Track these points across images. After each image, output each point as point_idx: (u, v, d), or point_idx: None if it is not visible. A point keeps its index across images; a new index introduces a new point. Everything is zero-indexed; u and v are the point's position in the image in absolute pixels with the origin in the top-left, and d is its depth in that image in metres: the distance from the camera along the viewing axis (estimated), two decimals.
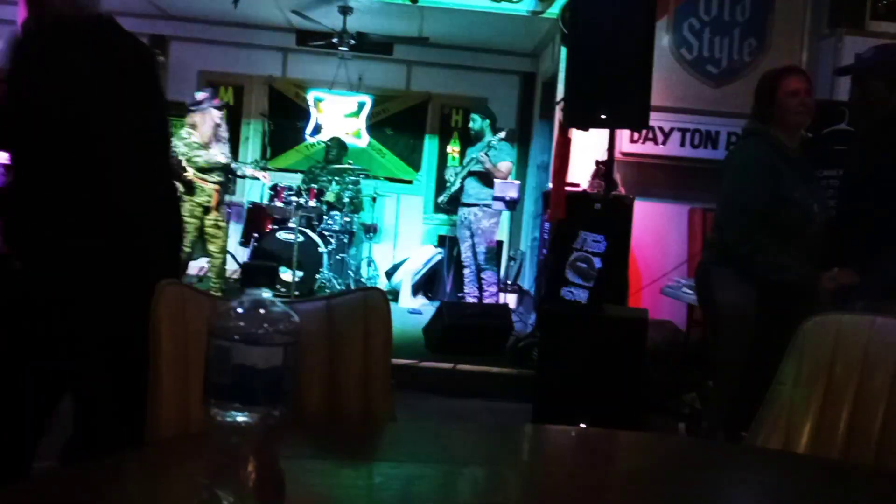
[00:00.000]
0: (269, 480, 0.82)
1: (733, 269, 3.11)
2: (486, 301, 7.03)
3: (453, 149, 9.48)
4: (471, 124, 7.37)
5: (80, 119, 2.10)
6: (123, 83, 2.20)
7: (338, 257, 7.68)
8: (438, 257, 8.26)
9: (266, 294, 0.84)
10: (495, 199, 7.91)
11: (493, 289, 7.20)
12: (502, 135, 7.08)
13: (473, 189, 7.10)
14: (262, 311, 0.83)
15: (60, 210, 2.12)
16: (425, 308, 7.63)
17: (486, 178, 7.03)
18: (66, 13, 2.20)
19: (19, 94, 2.14)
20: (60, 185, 2.13)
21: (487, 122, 7.17)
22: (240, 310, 0.82)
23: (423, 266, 8.25)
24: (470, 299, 7.02)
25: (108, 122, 2.14)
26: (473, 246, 7.10)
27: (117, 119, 2.16)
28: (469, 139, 7.77)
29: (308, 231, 7.41)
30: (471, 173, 7.14)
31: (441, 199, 7.70)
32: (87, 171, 2.13)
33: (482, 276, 7.16)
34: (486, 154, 6.97)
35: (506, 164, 7.06)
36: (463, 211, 7.20)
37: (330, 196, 7.77)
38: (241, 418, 0.81)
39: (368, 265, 8.46)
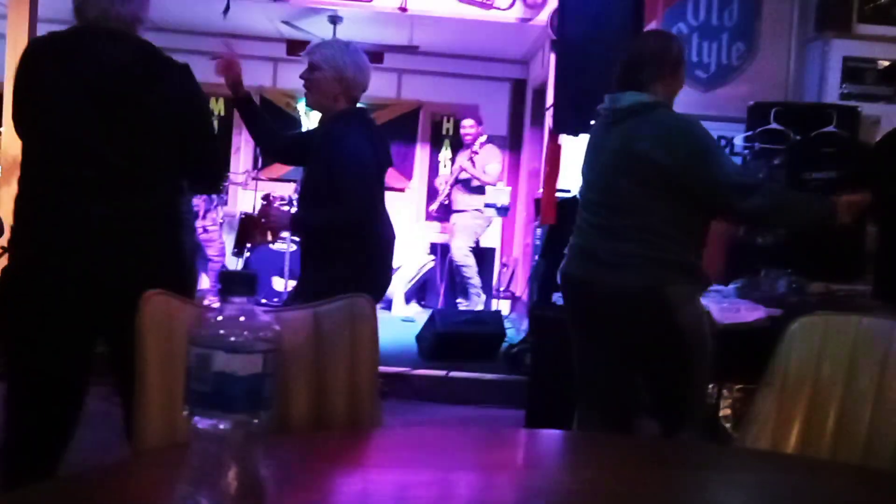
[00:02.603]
0: (250, 488, 0.82)
1: (688, 285, 2.72)
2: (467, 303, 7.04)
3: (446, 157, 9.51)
4: (463, 130, 7.47)
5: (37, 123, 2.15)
6: (101, 97, 2.16)
7: None
8: (431, 265, 8.26)
9: (247, 301, 0.84)
10: (487, 206, 7.90)
11: (474, 290, 7.21)
12: (483, 139, 7.18)
13: (461, 196, 7.16)
14: (241, 318, 0.83)
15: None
16: (418, 316, 7.63)
17: (474, 185, 7.06)
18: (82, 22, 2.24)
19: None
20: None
21: (481, 127, 7.32)
22: (219, 317, 0.82)
23: (416, 274, 8.25)
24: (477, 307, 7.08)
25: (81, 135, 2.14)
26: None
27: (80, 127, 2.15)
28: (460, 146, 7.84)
29: (299, 239, 7.39)
30: (458, 181, 7.15)
31: (432, 207, 7.72)
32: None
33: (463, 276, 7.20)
34: (471, 161, 6.99)
35: (494, 167, 7.09)
36: (454, 217, 7.23)
37: None
38: (221, 426, 0.81)
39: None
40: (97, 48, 2.19)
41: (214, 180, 2.70)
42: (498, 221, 8.90)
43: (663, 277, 2.65)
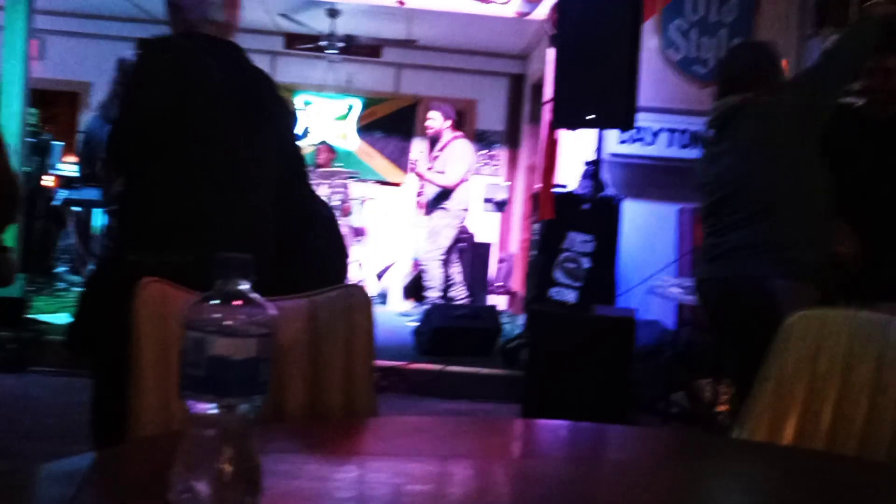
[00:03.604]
0: (245, 473, 0.82)
1: (801, 280, 2.67)
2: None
3: None
4: (428, 122, 7.05)
5: (208, 125, 2.13)
6: (249, 103, 2.22)
7: None
8: None
9: (242, 286, 0.83)
10: (485, 200, 7.87)
11: (433, 293, 6.90)
12: (460, 143, 6.82)
13: (431, 194, 6.91)
14: (236, 302, 0.82)
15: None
16: (415, 311, 7.63)
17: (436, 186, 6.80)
18: (199, 30, 2.22)
19: (141, 103, 2.13)
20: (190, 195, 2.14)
21: (449, 122, 6.92)
22: (214, 301, 0.82)
23: (413, 269, 8.25)
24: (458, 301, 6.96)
25: (234, 135, 2.17)
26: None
27: (240, 135, 2.18)
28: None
29: None
30: (422, 187, 6.96)
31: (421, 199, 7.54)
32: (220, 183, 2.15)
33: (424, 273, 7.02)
34: (432, 160, 6.72)
35: (456, 168, 6.67)
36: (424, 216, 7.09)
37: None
38: (215, 410, 0.81)
39: (358, 268, 8.45)
40: (232, 57, 2.24)
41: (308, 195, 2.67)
42: (496, 217, 8.91)
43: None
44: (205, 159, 2.13)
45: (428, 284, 6.90)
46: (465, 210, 6.90)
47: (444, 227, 6.80)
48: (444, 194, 6.75)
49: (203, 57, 2.16)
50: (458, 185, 6.72)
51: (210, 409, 0.81)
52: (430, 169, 6.83)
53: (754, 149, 2.82)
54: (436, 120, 6.94)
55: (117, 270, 2.05)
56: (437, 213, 6.83)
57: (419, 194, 7.28)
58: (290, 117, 2.42)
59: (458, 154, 6.75)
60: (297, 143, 2.49)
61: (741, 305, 2.76)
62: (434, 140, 7.09)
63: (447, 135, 6.91)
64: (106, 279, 2.18)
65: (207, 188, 2.13)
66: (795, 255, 2.72)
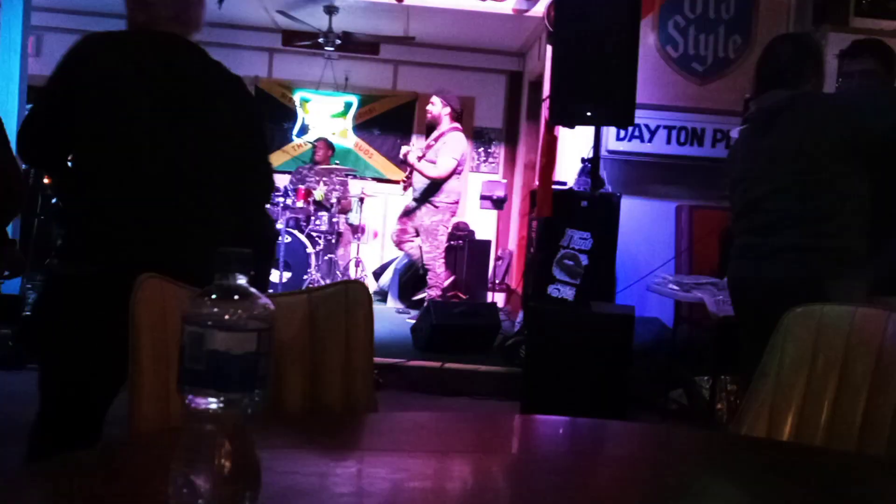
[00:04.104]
0: (244, 468, 0.82)
1: (855, 280, 2.62)
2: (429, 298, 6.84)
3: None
4: (429, 107, 6.95)
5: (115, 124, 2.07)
6: (174, 100, 2.13)
7: (325, 258, 7.67)
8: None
9: (240, 280, 0.83)
10: (483, 197, 7.84)
11: (435, 291, 6.89)
12: (454, 136, 6.74)
13: (419, 184, 6.80)
14: (235, 297, 0.82)
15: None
16: (412, 308, 7.63)
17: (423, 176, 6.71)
18: (144, 27, 2.16)
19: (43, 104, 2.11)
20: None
21: (448, 109, 6.82)
22: (213, 296, 0.82)
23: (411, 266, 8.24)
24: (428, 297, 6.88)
25: (145, 132, 2.08)
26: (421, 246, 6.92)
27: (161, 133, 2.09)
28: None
29: (295, 232, 7.40)
30: (411, 175, 6.86)
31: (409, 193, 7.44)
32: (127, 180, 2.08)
33: (427, 276, 6.96)
34: (426, 149, 6.61)
35: (447, 161, 6.61)
36: (413, 206, 6.98)
37: (318, 196, 7.75)
38: (215, 405, 0.80)
39: (356, 266, 8.45)
40: (169, 54, 2.15)
41: (271, 191, 2.55)
42: (493, 214, 8.90)
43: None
44: (109, 158, 2.07)
45: (432, 283, 6.90)
46: (456, 203, 6.86)
47: (438, 224, 6.78)
48: (434, 187, 6.70)
49: (115, 53, 2.11)
50: (447, 177, 6.66)
51: (210, 403, 0.81)
52: (421, 158, 6.76)
53: (807, 148, 2.71)
54: (436, 105, 6.87)
55: (48, 278, 2.07)
56: (427, 210, 6.76)
57: (407, 178, 7.21)
58: (242, 115, 2.27)
59: (452, 146, 6.68)
60: (252, 139, 2.32)
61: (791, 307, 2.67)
62: (431, 128, 7.03)
63: (445, 124, 6.82)
64: (47, 285, 2.18)
65: (113, 190, 2.06)
66: (850, 257, 2.66)
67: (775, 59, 2.89)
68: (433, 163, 6.65)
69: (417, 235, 6.96)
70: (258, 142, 2.38)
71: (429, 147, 6.85)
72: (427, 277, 6.95)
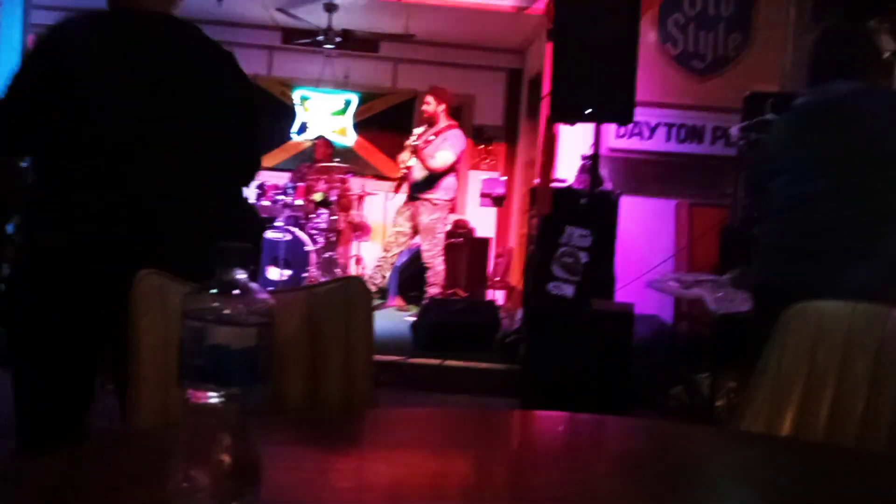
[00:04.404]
0: (244, 463, 0.82)
1: None
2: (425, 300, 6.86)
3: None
4: (425, 106, 6.98)
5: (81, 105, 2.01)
6: (155, 83, 2.07)
7: (325, 256, 7.67)
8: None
9: (240, 275, 0.83)
10: (482, 195, 7.84)
11: (435, 289, 6.90)
12: (453, 132, 6.75)
13: (416, 180, 6.79)
14: (235, 291, 0.82)
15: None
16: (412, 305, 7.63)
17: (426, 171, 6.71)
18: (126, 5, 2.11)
19: (15, 86, 2.04)
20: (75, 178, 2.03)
21: (443, 106, 6.87)
22: (213, 290, 0.82)
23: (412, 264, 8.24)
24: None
25: (123, 115, 2.03)
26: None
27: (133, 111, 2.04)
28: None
29: (295, 230, 7.40)
30: (410, 167, 6.85)
31: (392, 191, 7.42)
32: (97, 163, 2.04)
33: (426, 275, 6.97)
34: (425, 144, 6.59)
35: (445, 155, 6.64)
36: (407, 203, 6.96)
37: (318, 197, 7.74)
38: (215, 399, 0.80)
39: (356, 264, 8.45)
40: (148, 30, 2.10)
41: (252, 173, 2.46)
42: (493, 212, 8.90)
43: None
44: (80, 138, 2.02)
45: (432, 281, 6.90)
46: (453, 200, 6.88)
47: (437, 221, 6.78)
48: (430, 182, 6.70)
49: (95, 36, 2.08)
50: (445, 172, 6.67)
51: (210, 398, 0.81)
52: (423, 149, 6.75)
53: (873, 146, 2.54)
54: (431, 104, 6.90)
55: (21, 249, 2.05)
56: (426, 208, 6.76)
57: (400, 179, 7.20)
58: (230, 93, 2.22)
59: (452, 142, 6.70)
60: (241, 118, 2.27)
61: None
62: (430, 124, 7.04)
63: (442, 120, 6.85)
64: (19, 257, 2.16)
65: (85, 168, 2.02)
66: None
67: (835, 50, 2.69)
68: (431, 157, 6.66)
69: (416, 234, 6.95)
70: (247, 120, 2.32)
71: (427, 142, 6.85)
72: (426, 275, 6.95)
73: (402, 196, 7.17)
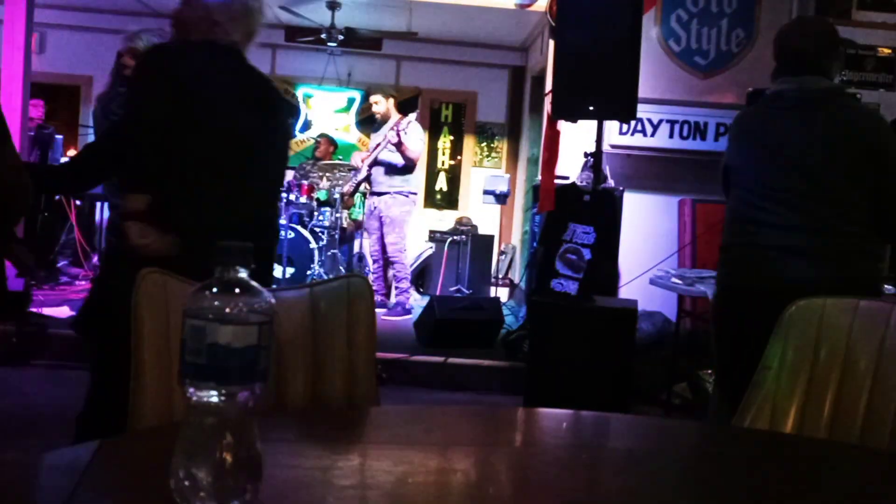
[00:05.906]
0: (246, 460, 0.82)
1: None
2: (396, 299, 6.90)
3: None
4: (374, 107, 6.99)
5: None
6: (258, 101, 2.37)
7: (328, 253, 7.67)
8: (430, 252, 8.25)
9: (241, 273, 0.83)
10: (486, 192, 7.83)
11: (405, 284, 6.91)
12: (414, 116, 6.79)
13: (382, 176, 6.81)
14: (236, 290, 0.82)
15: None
16: (416, 303, 7.62)
17: (395, 165, 6.73)
18: (204, 38, 2.33)
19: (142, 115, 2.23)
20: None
21: (392, 100, 6.91)
22: (214, 289, 0.82)
23: (415, 261, 8.24)
24: (377, 297, 6.84)
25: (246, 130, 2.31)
26: (382, 238, 6.90)
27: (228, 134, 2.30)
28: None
29: (299, 227, 7.40)
30: (378, 160, 6.83)
31: (345, 189, 7.43)
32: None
33: (391, 269, 6.98)
34: (397, 133, 6.56)
35: (416, 145, 6.71)
36: (371, 200, 6.98)
37: (321, 193, 7.74)
38: (216, 398, 0.81)
39: (359, 261, 8.45)
40: (239, 60, 2.37)
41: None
42: (496, 209, 8.90)
43: (875, 271, 2.57)
44: (213, 153, 2.20)
45: (399, 276, 6.90)
46: (416, 193, 6.94)
47: (406, 214, 6.82)
48: (401, 177, 6.74)
49: (200, 58, 2.23)
50: (414, 167, 6.76)
51: (211, 396, 0.81)
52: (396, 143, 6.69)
53: (832, 151, 2.55)
54: (380, 104, 6.93)
55: (124, 262, 2.09)
56: (396, 201, 6.77)
57: (366, 187, 7.24)
58: (291, 116, 2.57)
59: (414, 128, 6.71)
60: (286, 141, 2.69)
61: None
62: (384, 121, 6.98)
63: (394, 114, 6.86)
64: (113, 271, 2.22)
65: (217, 184, 2.21)
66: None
67: (802, 42, 2.67)
68: (410, 148, 6.66)
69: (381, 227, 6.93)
70: (287, 143, 2.69)
71: (398, 136, 6.75)
72: (395, 271, 6.95)
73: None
